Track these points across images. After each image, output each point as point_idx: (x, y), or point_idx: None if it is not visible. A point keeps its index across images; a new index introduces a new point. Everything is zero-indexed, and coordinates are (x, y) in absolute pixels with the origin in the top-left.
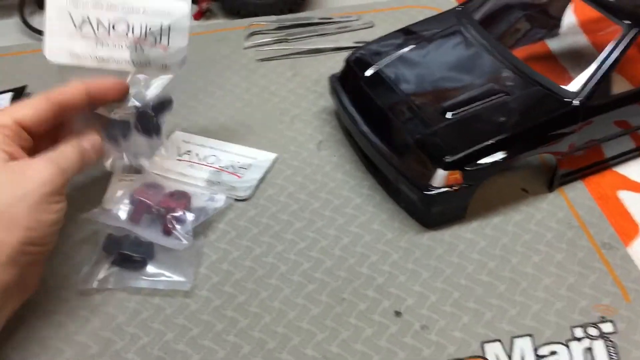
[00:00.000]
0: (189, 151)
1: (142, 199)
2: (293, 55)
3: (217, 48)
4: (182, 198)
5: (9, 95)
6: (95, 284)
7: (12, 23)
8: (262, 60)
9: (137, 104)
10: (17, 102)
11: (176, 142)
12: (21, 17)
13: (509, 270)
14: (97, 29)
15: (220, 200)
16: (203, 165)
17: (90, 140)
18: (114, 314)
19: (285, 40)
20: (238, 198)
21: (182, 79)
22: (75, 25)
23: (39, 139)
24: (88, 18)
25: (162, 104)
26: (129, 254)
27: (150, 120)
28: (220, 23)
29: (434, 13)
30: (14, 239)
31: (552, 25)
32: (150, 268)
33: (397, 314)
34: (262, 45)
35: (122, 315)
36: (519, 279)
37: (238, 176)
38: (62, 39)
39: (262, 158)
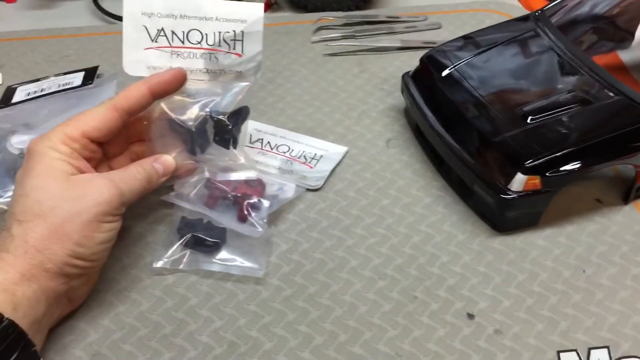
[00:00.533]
0: (260, 139)
1: (217, 184)
2: (360, 52)
3: (285, 41)
4: (257, 185)
5: (81, 74)
6: (168, 264)
7: (84, 4)
8: (330, 55)
9: (213, 114)
10: (84, 113)
11: (248, 130)
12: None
13: (584, 281)
14: (172, 40)
15: (290, 189)
16: (275, 153)
17: (161, 162)
18: (187, 296)
19: (353, 37)
20: (310, 188)
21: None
22: (150, 37)
23: (109, 143)
24: (163, 29)
25: (239, 113)
26: (202, 237)
27: (226, 130)
28: (287, 16)
29: (502, 18)
30: (64, 251)
31: (623, 37)
32: (223, 253)
33: (470, 316)
34: (329, 40)
35: (195, 297)
36: (594, 289)
37: (310, 166)
38: (139, 51)
39: (333, 150)
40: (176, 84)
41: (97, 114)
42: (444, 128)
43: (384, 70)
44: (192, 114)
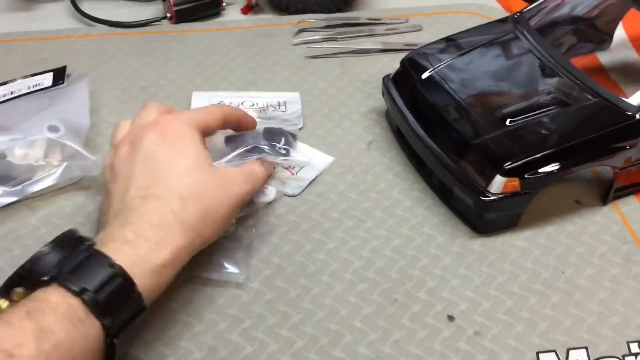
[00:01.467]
0: None
1: None
2: (342, 54)
3: (266, 43)
4: None
5: (50, 75)
6: None
7: (63, 7)
8: (311, 57)
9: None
10: (204, 109)
11: None
12: (72, 1)
13: (563, 281)
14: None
15: (270, 193)
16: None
17: (267, 167)
18: (166, 301)
19: (335, 39)
20: (286, 194)
21: (231, 71)
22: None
23: None
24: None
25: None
26: None
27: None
28: (268, 18)
29: (483, 20)
30: (213, 232)
31: (602, 39)
32: (203, 258)
33: (450, 318)
34: (311, 42)
35: (174, 302)
36: (573, 290)
37: (292, 173)
38: None
39: (319, 160)
40: (245, 123)
41: (214, 113)
42: (424, 130)
43: (365, 72)
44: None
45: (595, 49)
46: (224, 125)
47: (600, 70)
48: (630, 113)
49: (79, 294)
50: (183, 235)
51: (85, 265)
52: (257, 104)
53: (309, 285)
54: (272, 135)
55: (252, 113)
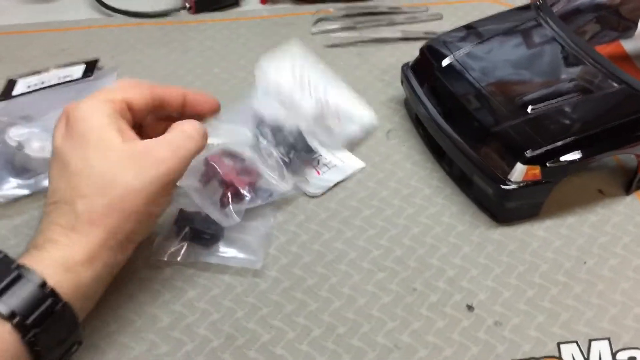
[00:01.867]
0: (301, 74)
1: (213, 163)
2: (360, 43)
3: (285, 33)
4: (249, 175)
5: (82, 67)
6: (165, 257)
7: None
8: (330, 46)
9: None
10: (121, 83)
11: (294, 57)
12: None
13: (585, 272)
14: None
15: (288, 185)
16: (313, 96)
17: (192, 126)
18: (184, 289)
19: (353, 28)
20: (307, 193)
21: (250, 61)
22: None
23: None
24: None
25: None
26: (200, 230)
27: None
28: (287, 8)
29: (504, 8)
30: (129, 225)
31: (627, 26)
32: (221, 245)
33: (469, 308)
34: (329, 31)
35: (192, 290)
36: (595, 281)
37: (318, 172)
38: None
39: (350, 163)
40: (207, 107)
41: (136, 86)
42: (443, 119)
43: (384, 61)
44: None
45: (619, 37)
46: (156, 104)
47: (625, 58)
48: None
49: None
50: (93, 233)
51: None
52: (328, 103)
53: (327, 273)
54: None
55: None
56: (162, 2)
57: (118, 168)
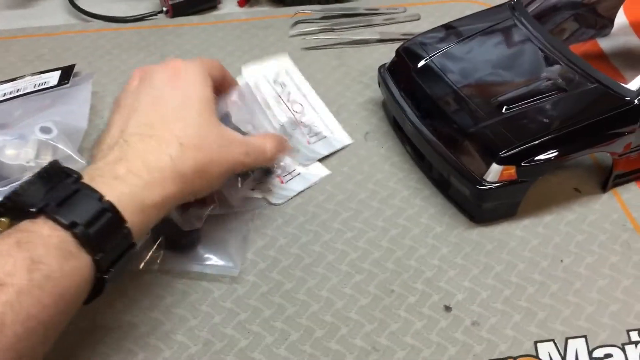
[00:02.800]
0: (284, 84)
1: None
2: (339, 45)
3: (263, 35)
4: None
5: (58, 73)
6: (142, 266)
7: (59, 3)
8: (308, 49)
9: None
10: (204, 60)
11: (280, 68)
12: None
13: (562, 270)
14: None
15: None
16: (288, 108)
17: (275, 140)
18: (162, 295)
19: (331, 30)
20: (270, 203)
21: (229, 65)
22: None
23: None
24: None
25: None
26: (176, 238)
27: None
28: (265, 10)
29: (482, 8)
30: (204, 187)
31: (603, 24)
32: (198, 252)
33: (447, 308)
34: (307, 34)
35: (170, 296)
36: (572, 279)
37: (282, 181)
38: None
39: (314, 171)
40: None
41: (215, 64)
42: (420, 120)
43: (362, 63)
44: None
45: (596, 35)
46: (221, 82)
47: (601, 56)
48: (628, 98)
49: (69, 227)
50: (175, 182)
51: (74, 199)
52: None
53: (305, 277)
54: None
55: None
56: (140, 7)
57: (213, 138)
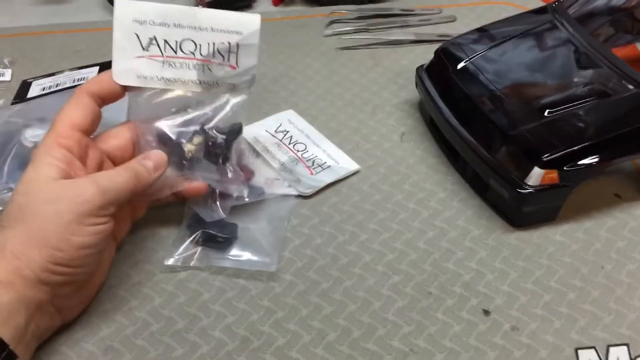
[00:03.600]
0: (286, 131)
1: None
2: (373, 45)
3: (297, 35)
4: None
5: (96, 69)
6: (179, 262)
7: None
8: (343, 49)
9: (204, 129)
10: (62, 109)
11: (282, 119)
12: None
13: (603, 277)
14: (164, 49)
15: (281, 187)
16: (288, 149)
17: (151, 157)
18: (199, 291)
19: (366, 30)
20: (298, 192)
21: (263, 63)
22: (142, 45)
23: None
24: (155, 38)
25: (231, 130)
26: (213, 234)
27: (217, 146)
28: (299, 10)
29: (518, 10)
30: (42, 257)
31: None
32: (234, 248)
33: (486, 312)
34: (342, 34)
35: (207, 293)
36: (613, 286)
37: (311, 172)
38: (129, 60)
39: (344, 165)
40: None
41: (75, 103)
42: (459, 121)
43: (397, 63)
44: (183, 127)
45: (634, 40)
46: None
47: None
48: None
49: None
50: (7, 259)
51: None
52: (200, 47)
53: (341, 277)
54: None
55: (189, 72)
56: (175, 4)
57: (38, 202)
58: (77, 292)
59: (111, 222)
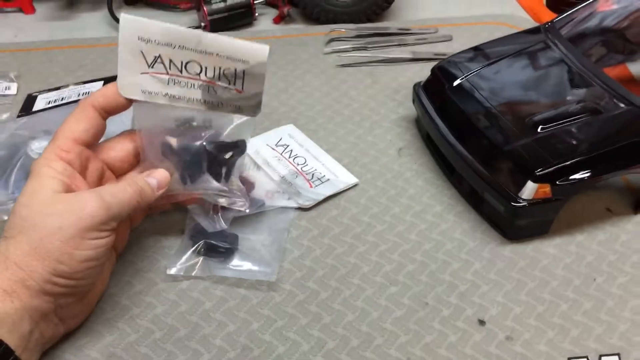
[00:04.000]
0: (286, 145)
1: None
2: (372, 63)
3: (298, 52)
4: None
5: (100, 83)
6: (181, 271)
7: (101, 16)
8: (342, 66)
9: (208, 145)
10: (66, 121)
11: (282, 133)
12: (110, 11)
13: (595, 289)
14: (169, 68)
15: (281, 199)
16: (289, 162)
17: (155, 175)
18: (201, 300)
19: (365, 48)
20: (298, 205)
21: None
22: (147, 62)
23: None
24: (160, 57)
25: (235, 146)
26: (215, 244)
27: (221, 163)
28: (299, 28)
29: (512, 30)
30: (45, 269)
31: (632, 49)
32: (235, 259)
33: (481, 322)
34: (341, 51)
35: (209, 301)
36: (604, 297)
37: (310, 185)
38: (134, 75)
39: (343, 179)
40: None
41: (79, 116)
42: (455, 137)
43: (395, 81)
44: (188, 142)
45: (625, 60)
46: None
47: (631, 80)
48: None
49: None
50: (11, 270)
51: None
52: (205, 69)
53: (340, 287)
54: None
55: (194, 91)
56: (178, 22)
57: (41, 214)
58: (79, 302)
59: (113, 235)
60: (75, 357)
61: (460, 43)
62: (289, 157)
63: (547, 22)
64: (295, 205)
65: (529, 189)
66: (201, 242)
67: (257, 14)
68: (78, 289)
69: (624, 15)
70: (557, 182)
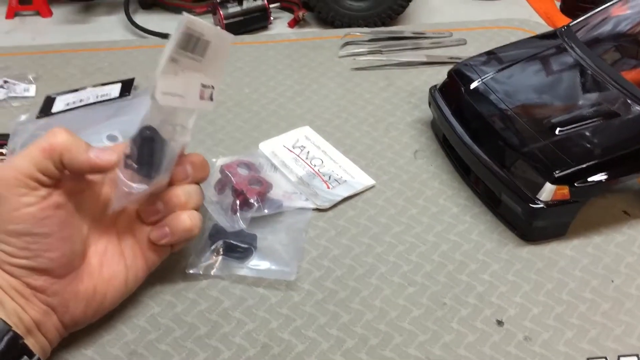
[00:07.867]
0: (303, 146)
1: (227, 172)
2: (387, 66)
3: (313, 56)
4: (260, 186)
5: (118, 86)
6: (201, 270)
7: (118, 19)
8: (357, 69)
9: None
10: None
11: (298, 135)
12: (127, 14)
13: (613, 290)
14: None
15: (299, 200)
16: (306, 163)
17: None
18: (220, 299)
19: (380, 52)
20: (316, 205)
21: (279, 82)
22: None
23: None
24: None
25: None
26: (234, 243)
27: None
28: (314, 32)
29: (526, 35)
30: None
31: None
32: (254, 258)
33: (499, 323)
34: (356, 55)
35: (228, 300)
36: (623, 299)
37: (328, 186)
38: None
39: (360, 180)
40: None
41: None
42: (471, 139)
43: (410, 84)
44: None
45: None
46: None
47: None
48: None
49: None
50: None
51: None
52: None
53: (358, 287)
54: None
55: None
56: None
57: None
58: (64, 289)
59: (49, 198)
60: (98, 355)
61: (474, 47)
62: (306, 159)
63: (564, 26)
64: (312, 206)
65: (547, 191)
66: (220, 241)
67: (272, 18)
68: (39, 263)
69: (638, 19)
70: (576, 184)
